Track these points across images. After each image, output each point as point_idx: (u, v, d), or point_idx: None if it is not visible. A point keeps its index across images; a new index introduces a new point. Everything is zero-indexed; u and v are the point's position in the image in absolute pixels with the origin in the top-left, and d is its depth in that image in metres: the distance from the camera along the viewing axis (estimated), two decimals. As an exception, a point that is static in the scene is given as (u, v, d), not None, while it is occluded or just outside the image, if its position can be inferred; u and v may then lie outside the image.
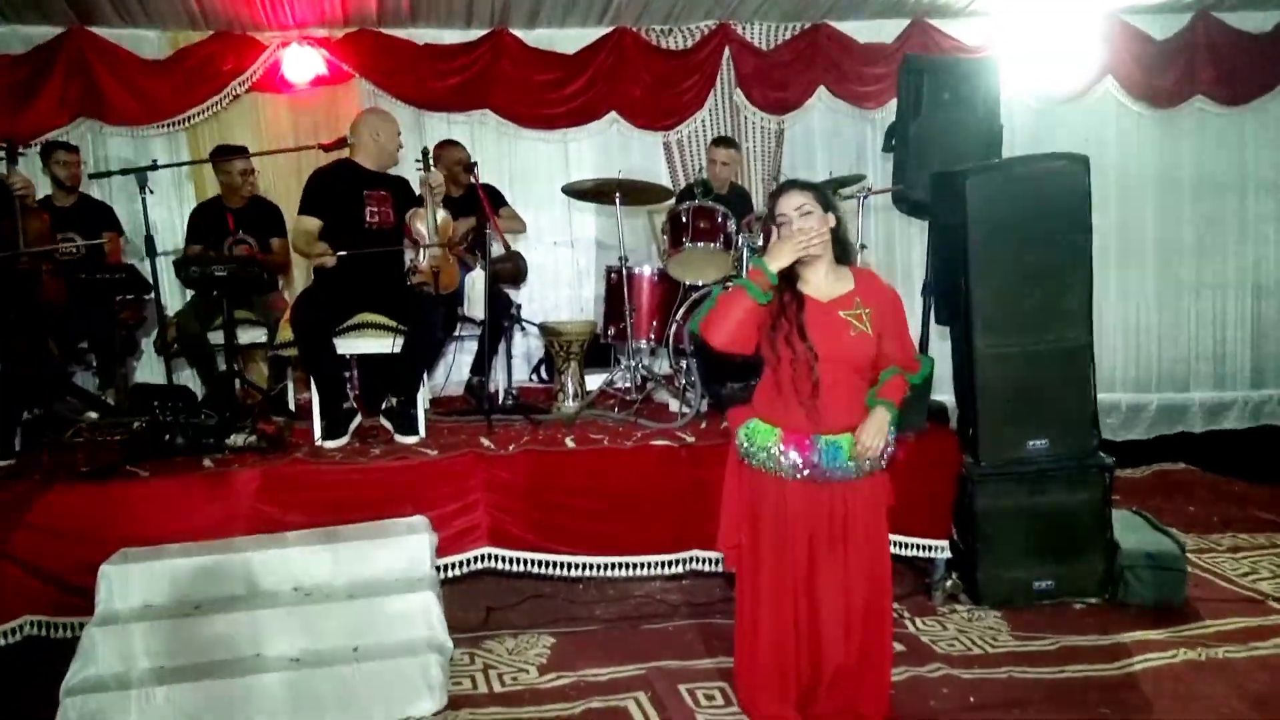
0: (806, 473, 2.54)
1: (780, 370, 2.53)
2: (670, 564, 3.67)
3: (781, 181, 3.03)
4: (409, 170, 4.24)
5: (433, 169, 3.89)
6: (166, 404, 3.89)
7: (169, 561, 3.17)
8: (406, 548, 3.30)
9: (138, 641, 2.95)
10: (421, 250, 3.87)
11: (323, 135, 5.35)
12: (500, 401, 4.50)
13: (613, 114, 5.76)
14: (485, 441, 3.75)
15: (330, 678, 2.90)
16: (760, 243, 4.04)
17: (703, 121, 5.84)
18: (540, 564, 3.59)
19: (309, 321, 3.76)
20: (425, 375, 4.20)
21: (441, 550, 3.47)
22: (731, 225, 4.24)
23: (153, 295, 4.40)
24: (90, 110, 5.23)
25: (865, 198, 4.43)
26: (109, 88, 5.20)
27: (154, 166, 3.64)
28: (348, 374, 4.49)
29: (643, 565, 3.66)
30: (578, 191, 4.58)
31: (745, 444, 2.63)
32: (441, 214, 3.90)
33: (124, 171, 3.78)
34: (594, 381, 4.65)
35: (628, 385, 4.48)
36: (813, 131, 6.07)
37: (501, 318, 4.58)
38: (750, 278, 2.50)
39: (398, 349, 3.87)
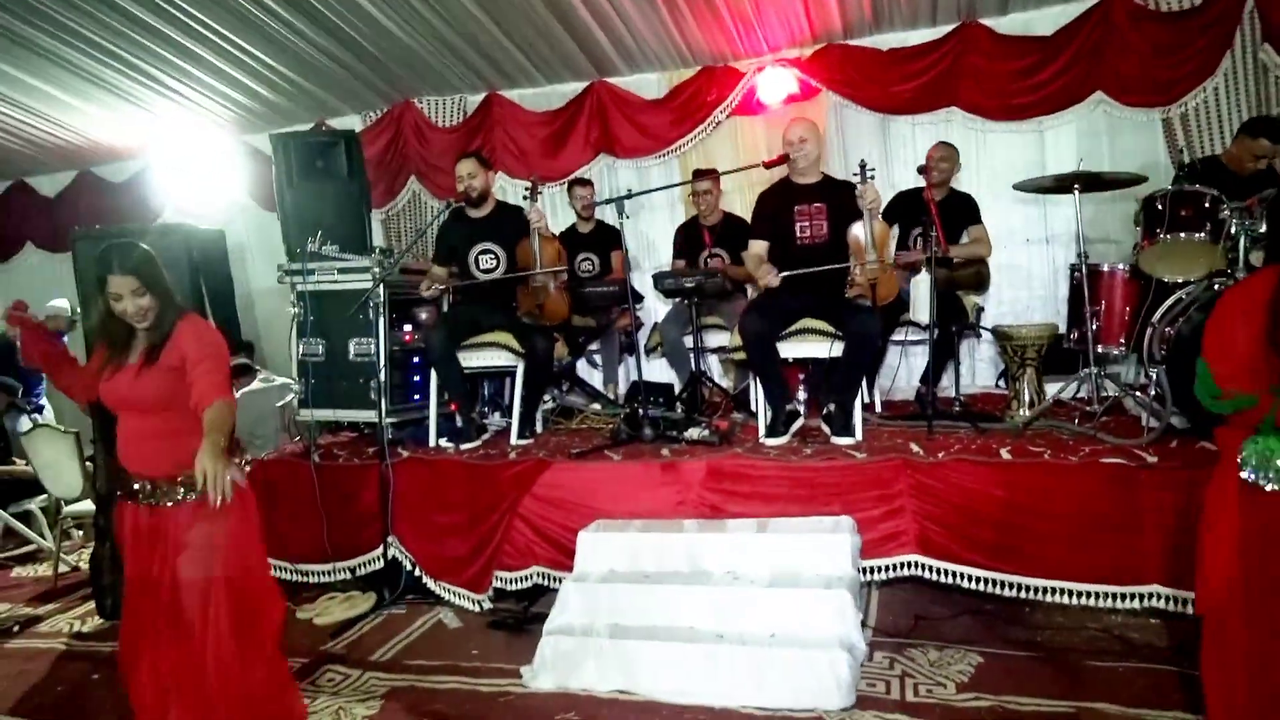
0: None
1: None
2: (1123, 597, 3.25)
3: None
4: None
5: (870, 183, 3.91)
6: (645, 399, 4.50)
7: (631, 534, 3.68)
8: (829, 546, 3.41)
9: (601, 599, 3.46)
10: (860, 264, 3.93)
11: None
12: (950, 408, 4.39)
13: (1098, 94, 5.20)
14: (915, 447, 3.70)
15: (747, 658, 3.11)
16: (1263, 228, 3.40)
17: (1215, 89, 4.98)
18: (970, 579, 3.44)
19: (753, 328, 4.05)
20: (865, 381, 4.26)
21: (867, 552, 3.52)
22: (1225, 211, 3.59)
23: (641, 305, 5.16)
24: (605, 148, 6.25)
25: None
26: (619, 127, 6.16)
27: (629, 195, 4.25)
28: (803, 376, 4.75)
29: (1089, 595, 3.29)
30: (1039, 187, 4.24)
31: (1253, 463, 2.10)
32: (879, 226, 3.93)
33: (606, 201, 4.46)
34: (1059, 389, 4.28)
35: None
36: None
37: (951, 323, 4.44)
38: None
39: (837, 353, 3.99)
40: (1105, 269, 3.99)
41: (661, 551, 3.59)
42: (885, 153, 5.66)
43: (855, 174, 4.00)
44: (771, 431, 4.06)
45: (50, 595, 4.95)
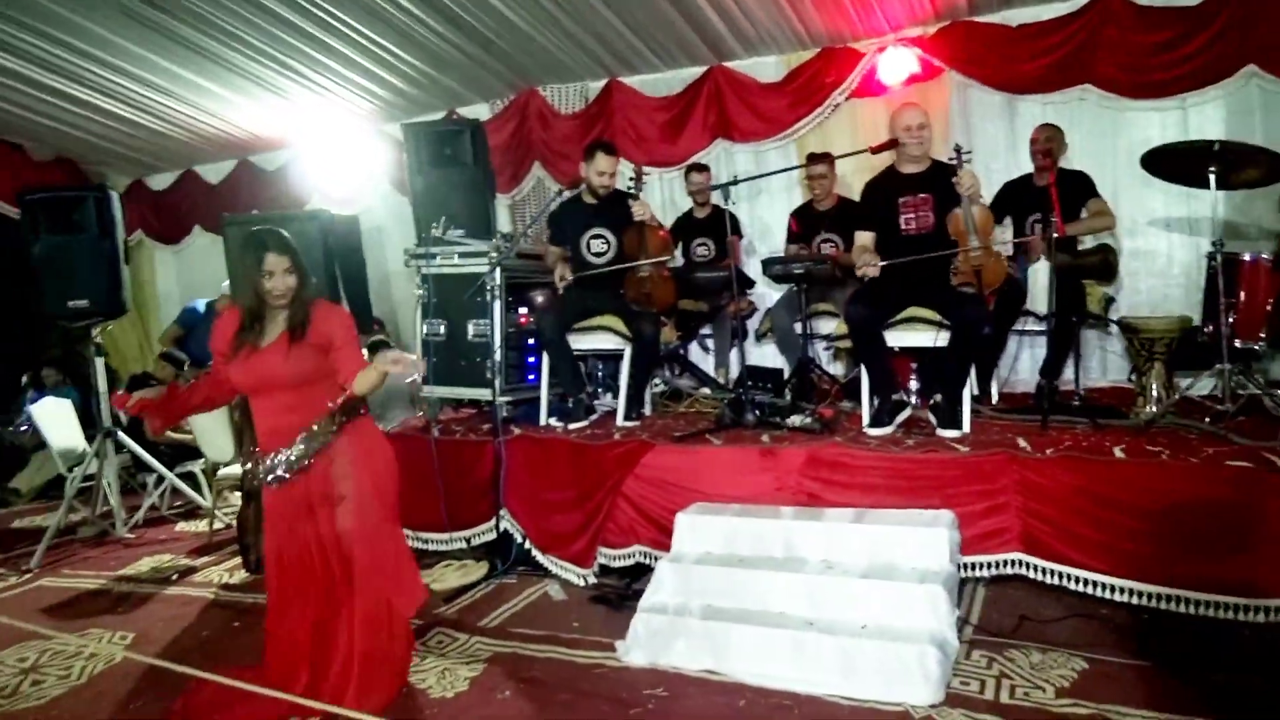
0: None
1: None
2: (1248, 610, 3.06)
3: None
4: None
5: (966, 168, 3.79)
6: (750, 384, 4.52)
7: (727, 518, 3.72)
8: (926, 539, 3.35)
9: (695, 581, 3.52)
10: (963, 250, 3.82)
11: (914, 132, 5.55)
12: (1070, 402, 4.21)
13: (1250, 67, 4.81)
14: (1022, 442, 3.58)
15: (835, 647, 3.10)
16: None
17: (1389, 60, 4.53)
18: (1078, 581, 3.32)
19: (859, 316, 4.01)
20: (980, 371, 4.14)
21: (967, 548, 3.44)
22: (1381, 196, 3.30)
23: (752, 290, 5.16)
24: (723, 132, 6.24)
25: None
26: (736, 111, 6.14)
27: (734, 181, 4.27)
28: (915, 366, 4.66)
29: (1210, 605, 3.11)
30: (1167, 165, 3.97)
31: None
32: (979, 210, 3.80)
33: (714, 187, 4.48)
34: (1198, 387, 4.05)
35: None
36: None
37: (1072, 313, 4.25)
38: None
39: (943, 342, 3.90)
40: (1246, 258, 3.73)
41: (757, 536, 3.62)
42: (1011, 134, 5.42)
43: (951, 158, 3.88)
44: (875, 421, 4.01)
45: (205, 549, 5.44)
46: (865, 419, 4.09)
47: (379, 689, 3.06)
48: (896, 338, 4.07)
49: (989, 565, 3.46)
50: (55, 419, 6.37)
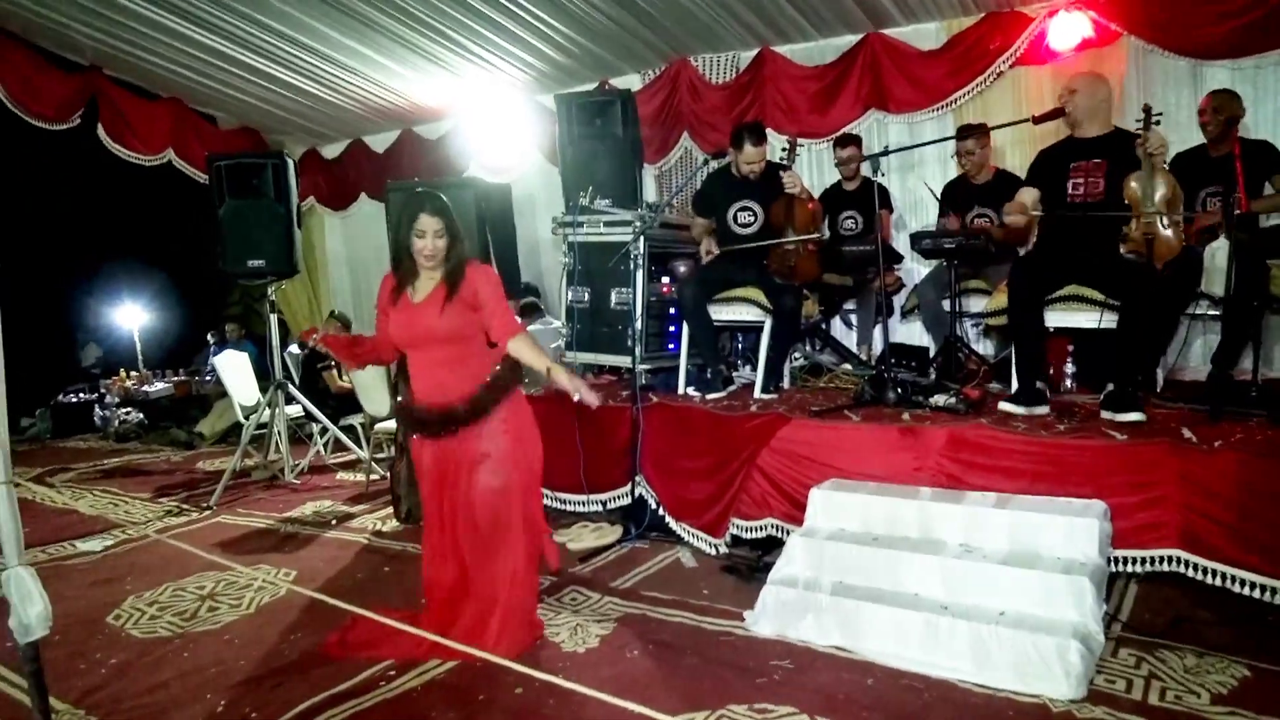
0: None
1: None
2: None
3: None
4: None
5: (1154, 129, 3.53)
6: (893, 361, 4.41)
7: (863, 496, 3.67)
8: (1074, 529, 3.19)
9: (827, 556, 3.49)
10: (1136, 216, 3.57)
11: (1084, 101, 5.22)
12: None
13: None
14: (1186, 432, 3.34)
15: (970, 633, 3.01)
16: None
17: None
18: (1244, 583, 3.09)
19: (1022, 290, 3.82)
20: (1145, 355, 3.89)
21: (1119, 541, 3.27)
22: None
23: (900, 265, 5.01)
24: (876, 103, 6.04)
25: None
26: (892, 81, 5.93)
27: (886, 152, 4.14)
28: (1072, 347, 4.42)
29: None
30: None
31: None
32: (1161, 176, 3.53)
33: (865, 158, 4.36)
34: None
35: None
36: None
37: (1253, 297, 3.91)
38: None
39: (1107, 324, 3.68)
40: None
41: (893, 516, 3.55)
42: (1195, 104, 4.99)
43: (1138, 120, 3.62)
44: (1021, 400, 3.83)
45: (361, 498, 5.82)
46: (1008, 397, 3.92)
47: (515, 638, 3.22)
48: (1057, 318, 3.87)
49: (1143, 561, 3.27)
50: (235, 370, 6.93)
